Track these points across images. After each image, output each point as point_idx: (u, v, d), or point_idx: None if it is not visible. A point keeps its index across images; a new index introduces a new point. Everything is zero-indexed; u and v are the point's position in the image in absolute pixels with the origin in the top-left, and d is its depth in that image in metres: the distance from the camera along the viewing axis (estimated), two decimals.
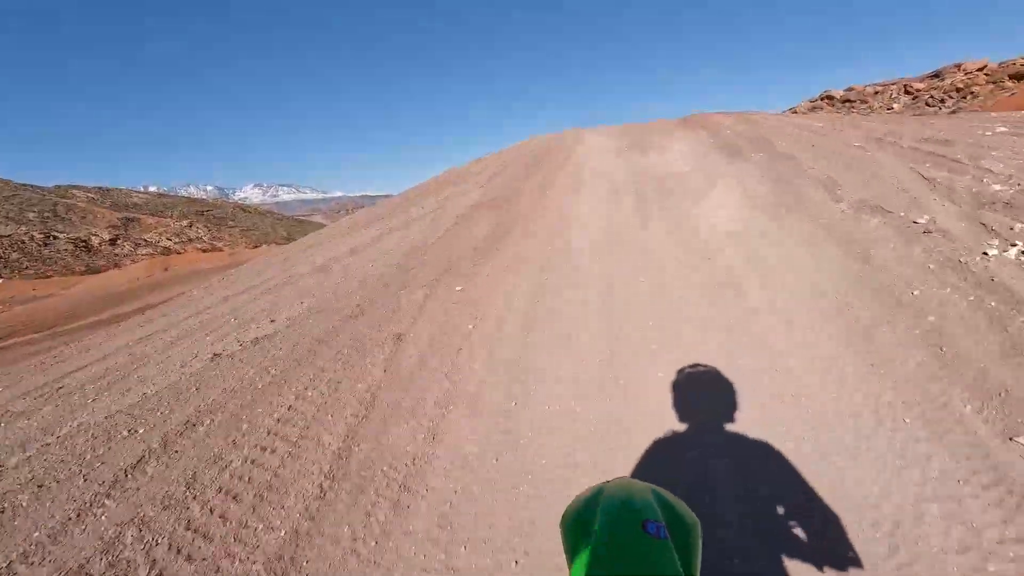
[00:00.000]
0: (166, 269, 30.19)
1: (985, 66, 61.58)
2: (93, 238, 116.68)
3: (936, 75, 68.75)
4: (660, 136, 13.78)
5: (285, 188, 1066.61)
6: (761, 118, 15.21)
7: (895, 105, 72.59)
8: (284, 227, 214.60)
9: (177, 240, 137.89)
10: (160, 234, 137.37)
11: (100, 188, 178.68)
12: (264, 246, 62.23)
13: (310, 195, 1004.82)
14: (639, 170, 10.42)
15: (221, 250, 59.32)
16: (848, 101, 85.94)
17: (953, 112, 25.35)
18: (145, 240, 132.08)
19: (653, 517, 0.90)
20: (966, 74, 62.98)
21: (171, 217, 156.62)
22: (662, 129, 15.00)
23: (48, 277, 55.21)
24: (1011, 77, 55.37)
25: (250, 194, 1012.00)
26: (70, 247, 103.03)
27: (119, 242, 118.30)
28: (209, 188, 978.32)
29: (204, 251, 71.44)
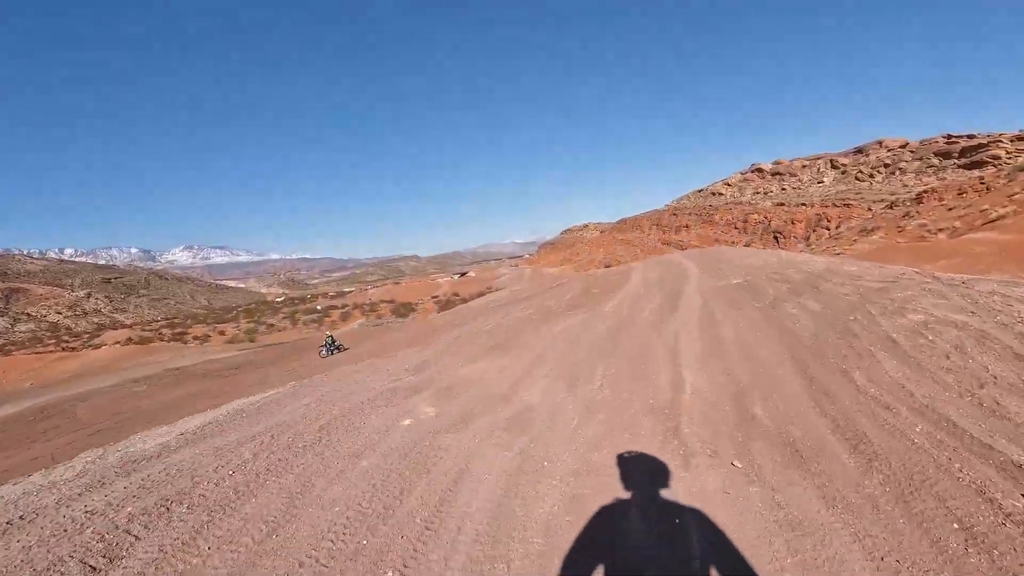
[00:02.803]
0: None
1: (906, 144, 64.19)
2: None
3: (859, 151, 71.57)
4: None
5: (218, 251, 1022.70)
6: None
7: (824, 179, 74.82)
8: (205, 294, 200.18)
9: (70, 313, 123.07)
10: (49, 307, 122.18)
11: None
12: (106, 347, 53.32)
13: (244, 258, 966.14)
14: None
15: (52, 351, 49.94)
16: (777, 174, 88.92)
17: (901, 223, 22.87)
18: (28, 315, 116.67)
19: None
20: (889, 150, 65.44)
21: (68, 287, 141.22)
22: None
23: None
24: (936, 155, 57.38)
25: (179, 257, 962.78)
26: None
27: None
28: (133, 251, 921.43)
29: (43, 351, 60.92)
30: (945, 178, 49.45)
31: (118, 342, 55.60)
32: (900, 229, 20.80)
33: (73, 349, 50.97)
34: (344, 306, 69.80)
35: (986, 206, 16.54)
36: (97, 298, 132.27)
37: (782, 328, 6.64)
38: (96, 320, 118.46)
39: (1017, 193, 16.26)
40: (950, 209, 20.66)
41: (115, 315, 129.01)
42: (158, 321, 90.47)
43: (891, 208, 27.27)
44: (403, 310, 56.71)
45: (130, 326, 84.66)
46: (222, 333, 55.81)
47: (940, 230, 16.40)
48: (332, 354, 21.24)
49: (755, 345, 6.18)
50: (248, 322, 63.11)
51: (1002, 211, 15.03)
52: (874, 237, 19.41)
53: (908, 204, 25.07)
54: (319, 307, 73.05)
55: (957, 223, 16.31)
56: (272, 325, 58.73)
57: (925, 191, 24.65)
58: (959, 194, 21.82)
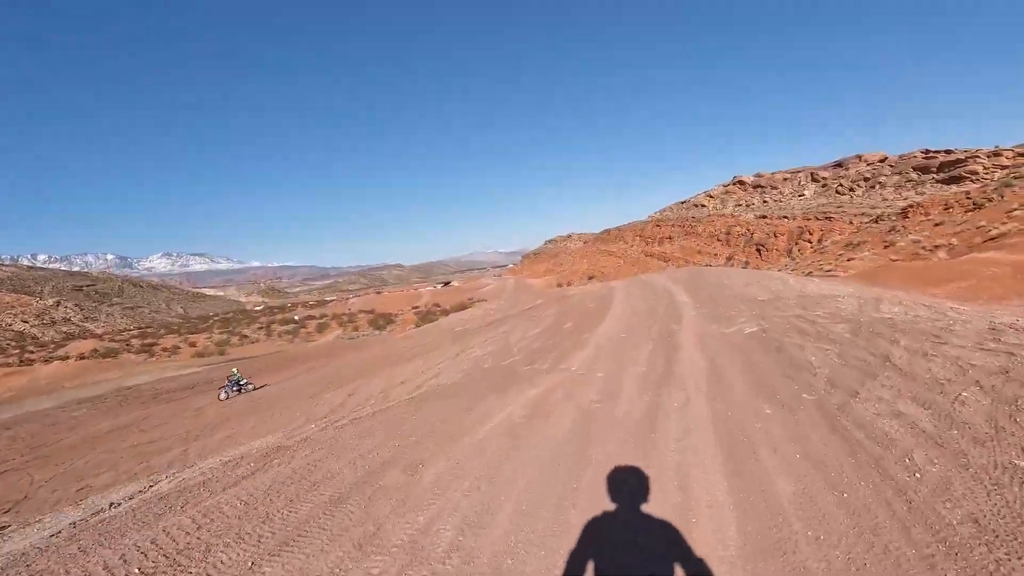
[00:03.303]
0: None
1: (885, 158, 64.90)
2: None
3: (839, 164, 72.32)
4: None
5: (197, 258, 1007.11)
6: None
7: (806, 192, 75.34)
8: (181, 302, 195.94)
9: (38, 322, 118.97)
10: (15, 316, 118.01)
11: None
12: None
13: (224, 265, 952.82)
14: None
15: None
16: (759, 187, 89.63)
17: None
18: None
19: None
20: (868, 164, 66.15)
21: (37, 295, 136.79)
22: None
23: None
24: (915, 169, 57.95)
25: (157, 264, 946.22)
26: None
27: None
28: (110, 257, 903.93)
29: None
30: (924, 192, 49.87)
31: (82, 354, 53.38)
32: (887, 245, 20.37)
33: (30, 363, 48.66)
34: (322, 316, 68.20)
35: (983, 222, 16.08)
36: (67, 306, 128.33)
37: (893, 485, 3.39)
38: (65, 329, 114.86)
39: (1016, 209, 15.80)
40: (937, 224, 20.28)
41: (86, 324, 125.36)
42: (130, 330, 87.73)
43: (876, 223, 26.98)
44: (381, 321, 55.36)
45: (100, 336, 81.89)
46: (193, 344, 53.89)
47: (936, 247, 15.89)
48: (239, 392, 17.75)
49: (855, 546, 2.93)
50: (222, 333, 61.18)
51: (1003, 228, 14.53)
52: (865, 254, 18.90)
53: (894, 219, 24.78)
54: (296, 317, 71.29)
55: (954, 240, 15.80)
56: (246, 336, 56.94)
57: (911, 206, 24.30)
58: (945, 209, 21.51)
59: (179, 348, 52.76)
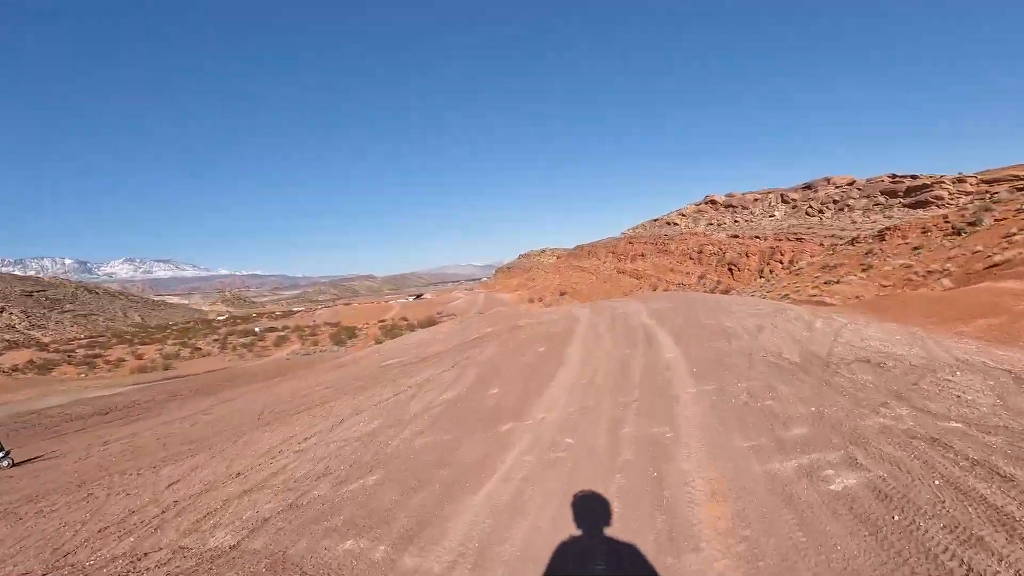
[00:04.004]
0: None
1: (853, 182, 66.00)
2: None
3: (808, 187, 73.29)
4: None
5: (162, 264, 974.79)
6: None
7: (776, 213, 75.74)
8: (139, 310, 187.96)
9: None
10: None
11: None
12: None
13: (190, 272, 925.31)
14: None
15: None
16: (730, 206, 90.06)
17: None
18: None
19: None
20: (837, 187, 67.12)
21: None
22: None
23: None
24: (883, 193, 58.83)
25: (119, 269, 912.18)
26: None
27: None
28: (68, 261, 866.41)
29: None
30: (892, 216, 50.45)
31: (16, 365, 49.61)
32: (865, 267, 19.70)
33: None
34: (284, 328, 65.39)
35: (979, 247, 15.29)
36: (12, 313, 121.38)
37: None
38: (8, 337, 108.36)
39: (1016, 234, 14.95)
40: (915, 248, 19.71)
41: (32, 332, 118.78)
42: (79, 339, 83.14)
43: (852, 245, 26.50)
44: (343, 336, 53.06)
45: (46, 345, 77.07)
46: (140, 357, 50.64)
47: (929, 272, 15.04)
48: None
49: None
50: (175, 344, 57.92)
51: (1006, 254, 13.60)
52: (851, 278, 18.03)
53: (871, 241, 24.30)
54: (257, 329, 68.29)
55: (949, 265, 14.97)
56: (198, 349, 53.86)
57: (888, 228, 23.91)
58: (923, 233, 21.03)
59: (124, 360, 49.49)
